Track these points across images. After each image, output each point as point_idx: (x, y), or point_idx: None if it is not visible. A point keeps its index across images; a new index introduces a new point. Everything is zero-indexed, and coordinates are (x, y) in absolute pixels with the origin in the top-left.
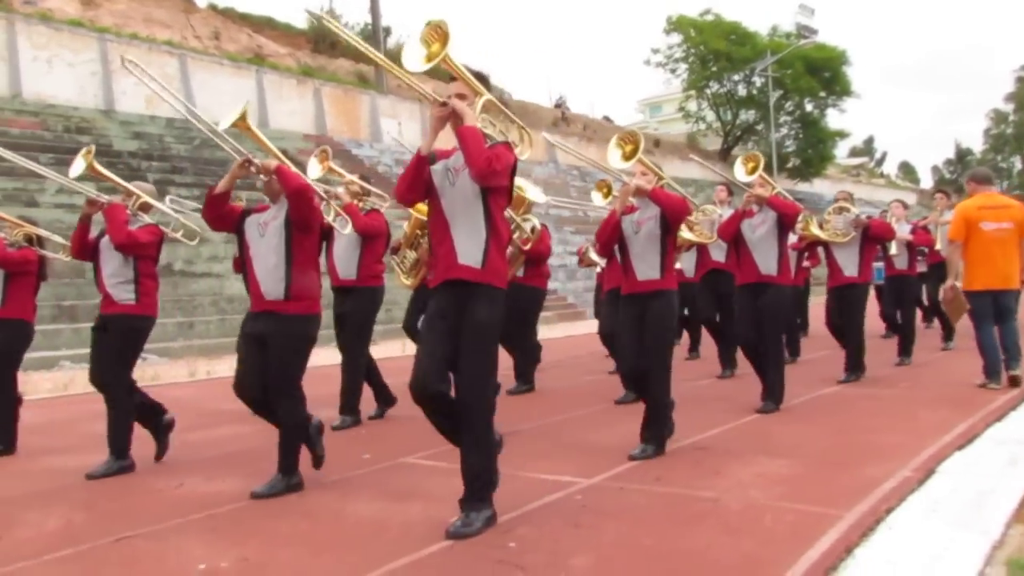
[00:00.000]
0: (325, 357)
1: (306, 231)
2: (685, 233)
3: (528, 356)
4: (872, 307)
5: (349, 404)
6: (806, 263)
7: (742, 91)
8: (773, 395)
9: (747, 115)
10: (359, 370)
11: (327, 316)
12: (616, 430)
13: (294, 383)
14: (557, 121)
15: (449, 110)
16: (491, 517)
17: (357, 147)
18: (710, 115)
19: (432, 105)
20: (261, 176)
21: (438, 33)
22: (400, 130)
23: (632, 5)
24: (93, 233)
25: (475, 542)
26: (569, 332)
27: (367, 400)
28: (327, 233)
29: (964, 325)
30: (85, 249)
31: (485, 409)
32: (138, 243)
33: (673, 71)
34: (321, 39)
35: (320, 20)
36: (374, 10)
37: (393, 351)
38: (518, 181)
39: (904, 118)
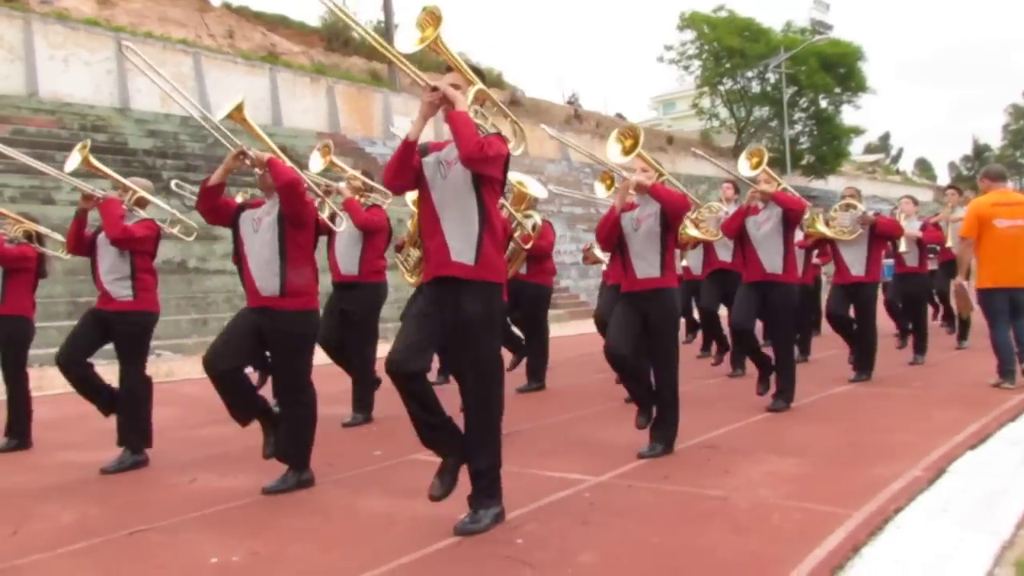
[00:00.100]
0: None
1: (299, 226)
2: (691, 230)
3: (539, 354)
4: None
5: (361, 402)
6: (816, 260)
7: (756, 88)
8: (784, 394)
9: (761, 112)
10: (368, 367)
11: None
12: (626, 428)
13: (303, 380)
14: (570, 119)
15: (440, 94)
16: (499, 514)
17: (370, 145)
18: (723, 112)
19: (423, 90)
20: (256, 170)
21: (432, 18)
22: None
23: (645, 2)
24: (91, 229)
25: (483, 538)
26: (581, 330)
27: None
28: (327, 229)
29: (979, 324)
30: (81, 245)
31: (492, 407)
32: (133, 238)
33: (686, 68)
34: (334, 37)
35: (338, 14)
36: (387, 7)
37: None
38: (519, 176)
39: (920, 114)
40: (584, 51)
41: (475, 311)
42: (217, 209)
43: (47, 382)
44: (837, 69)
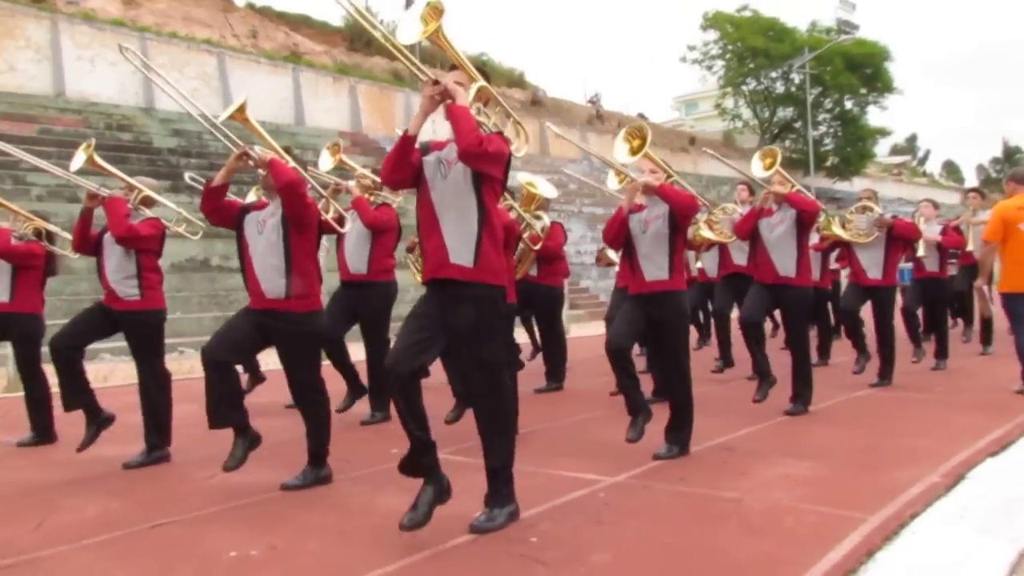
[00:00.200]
0: (352, 353)
1: (302, 228)
2: (705, 232)
3: (557, 355)
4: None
5: (379, 401)
6: (835, 264)
7: (780, 88)
8: (801, 397)
9: (785, 112)
10: (383, 367)
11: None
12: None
13: (315, 379)
14: (591, 119)
15: (441, 88)
16: (514, 512)
17: (392, 144)
18: (746, 112)
19: (424, 84)
20: (259, 171)
21: (435, 13)
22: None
23: (668, 2)
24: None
25: (497, 536)
26: (600, 330)
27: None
28: (331, 229)
29: (1003, 329)
30: (86, 243)
31: (500, 406)
32: (138, 236)
33: (709, 68)
34: (357, 37)
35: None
36: (408, 7)
37: None
38: (528, 177)
39: (949, 115)
40: (607, 51)
41: (474, 314)
42: (221, 210)
43: None
44: (863, 69)
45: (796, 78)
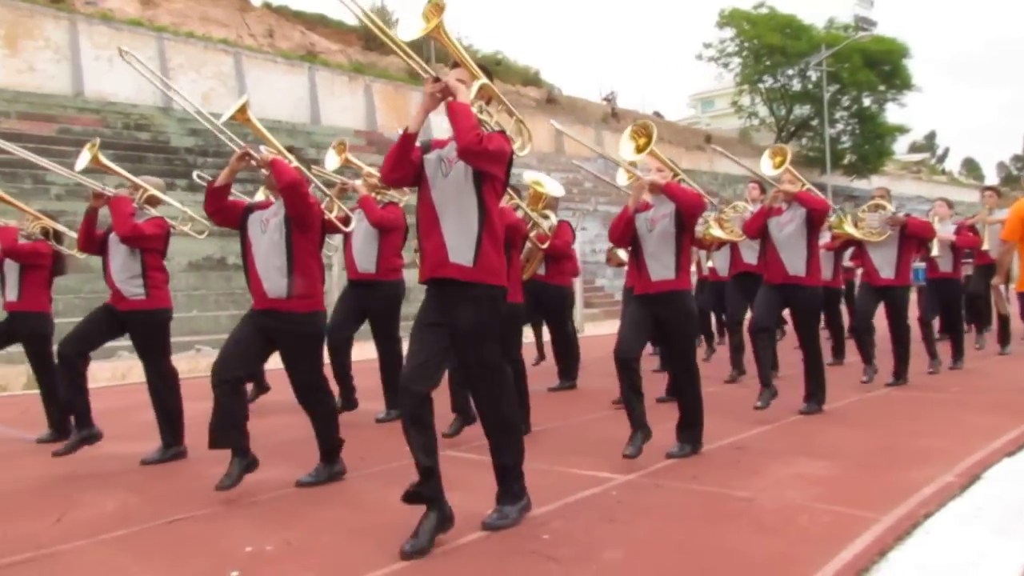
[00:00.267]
0: (366, 351)
1: (304, 228)
2: (715, 230)
3: (569, 354)
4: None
5: (394, 398)
6: (850, 263)
7: (797, 85)
8: (815, 397)
9: (801, 110)
10: (397, 365)
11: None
12: (656, 428)
13: (317, 378)
14: (607, 117)
15: (441, 85)
16: (526, 506)
17: None
18: (763, 110)
19: (425, 81)
20: (262, 171)
21: (436, 10)
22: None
23: None
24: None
25: (509, 533)
26: (615, 329)
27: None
28: (334, 229)
29: (1021, 328)
30: (92, 242)
31: (505, 405)
32: (143, 236)
33: (725, 65)
34: (373, 36)
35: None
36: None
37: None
38: (535, 175)
39: (968, 112)
40: (622, 49)
41: (474, 314)
42: (224, 210)
43: (90, 376)
44: (881, 66)
45: (813, 75)
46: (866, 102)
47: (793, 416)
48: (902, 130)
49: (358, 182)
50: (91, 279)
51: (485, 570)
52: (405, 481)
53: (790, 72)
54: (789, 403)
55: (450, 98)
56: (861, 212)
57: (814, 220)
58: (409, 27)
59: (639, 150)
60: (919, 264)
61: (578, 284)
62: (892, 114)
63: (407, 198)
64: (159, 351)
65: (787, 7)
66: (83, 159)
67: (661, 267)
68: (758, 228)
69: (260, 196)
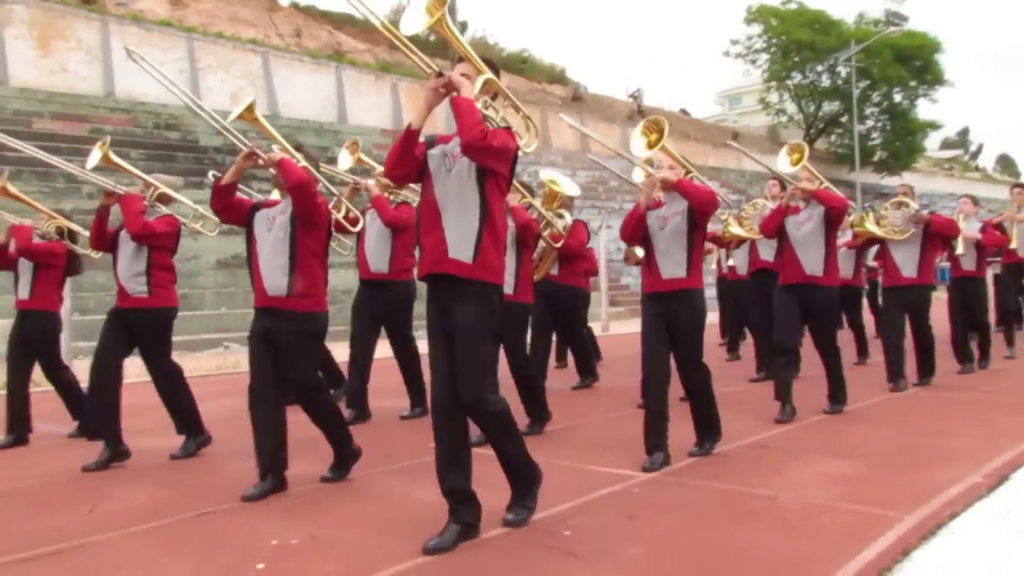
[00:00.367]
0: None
1: (310, 227)
2: (734, 228)
3: (583, 351)
4: (937, 310)
5: (417, 396)
6: (873, 263)
7: (826, 82)
8: (836, 397)
9: (831, 106)
10: (413, 361)
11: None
12: (678, 427)
13: (313, 377)
14: (632, 115)
15: (445, 80)
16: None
17: None
18: (791, 107)
19: (428, 77)
20: (270, 169)
21: (439, 3)
22: None
23: None
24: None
25: (531, 529)
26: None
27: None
28: (342, 229)
29: None
30: (103, 240)
31: (490, 406)
32: (153, 233)
33: (753, 62)
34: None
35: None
36: (450, 6)
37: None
38: (550, 174)
39: (1003, 107)
40: (649, 46)
41: (470, 317)
42: (230, 208)
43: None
44: (912, 62)
45: (842, 71)
46: (897, 98)
47: (816, 415)
48: (934, 126)
49: (371, 182)
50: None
51: (506, 565)
52: (429, 477)
53: (819, 68)
54: (812, 403)
55: (454, 93)
56: (883, 209)
57: (832, 219)
58: (412, 22)
59: (651, 146)
60: (945, 264)
61: (603, 283)
62: (924, 110)
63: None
64: (160, 350)
65: (816, 2)
66: (94, 157)
67: (672, 265)
68: (775, 227)
69: (276, 195)
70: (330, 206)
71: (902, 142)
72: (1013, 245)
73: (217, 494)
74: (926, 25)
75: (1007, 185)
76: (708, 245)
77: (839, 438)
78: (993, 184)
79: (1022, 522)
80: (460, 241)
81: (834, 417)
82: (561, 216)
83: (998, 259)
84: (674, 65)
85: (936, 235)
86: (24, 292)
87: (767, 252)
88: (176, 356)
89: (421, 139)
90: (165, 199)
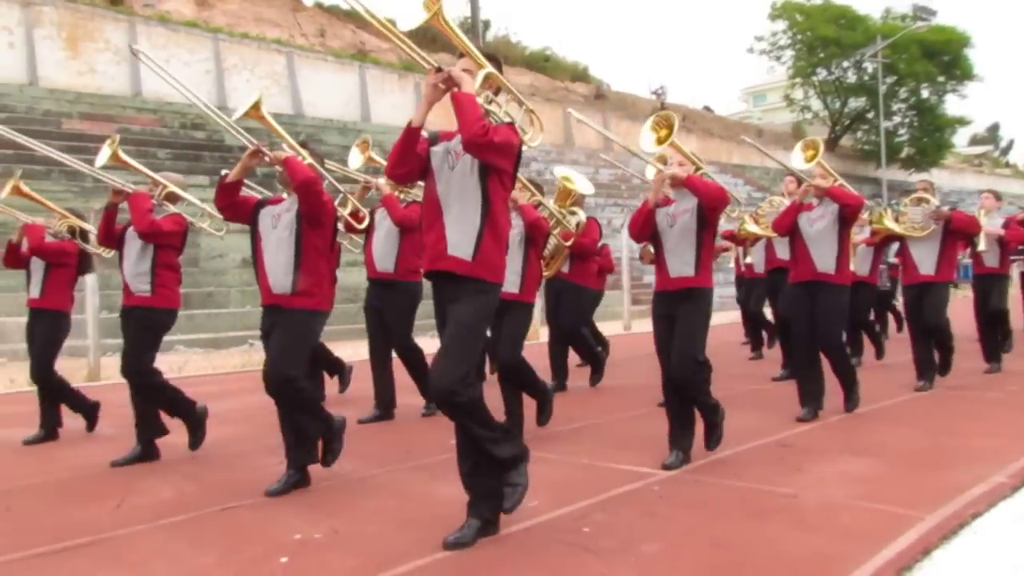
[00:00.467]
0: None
1: (316, 225)
2: (750, 226)
3: (589, 349)
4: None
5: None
6: (894, 259)
7: (852, 78)
8: (851, 395)
9: (857, 103)
10: (417, 359)
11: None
12: (700, 424)
13: (295, 365)
14: (655, 111)
15: (444, 75)
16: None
17: None
18: (816, 103)
19: (428, 72)
20: (276, 168)
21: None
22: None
23: None
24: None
25: (550, 525)
26: None
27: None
28: (349, 227)
29: None
30: (111, 238)
31: (456, 397)
32: (161, 232)
33: (778, 58)
34: (422, 33)
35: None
36: (473, 3)
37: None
38: (565, 171)
39: None
40: (672, 43)
41: (464, 313)
42: (235, 206)
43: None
44: (941, 57)
45: (869, 67)
46: (924, 93)
47: (840, 414)
48: (962, 122)
49: (381, 180)
50: None
51: (526, 560)
52: (450, 474)
53: (845, 64)
54: (836, 402)
55: (455, 88)
56: (903, 206)
57: (846, 216)
58: (409, 17)
59: (660, 142)
60: (967, 260)
61: (625, 281)
62: (952, 106)
63: None
64: (145, 347)
65: None
66: (103, 155)
67: (681, 263)
68: (787, 225)
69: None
70: (335, 203)
71: (930, 138)
72: None
73: (241, 489)
74: (955, 19)
75: None
76: (726, 243)
77: (862, 437)
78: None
79: None
80: (461, 238)
81: (858, 416)
82: (574, 213)
83: (1021, 256)
84: (698, 62)
85: (957, 232)
86: (35, 291)
87: (783, 250)
88: (201, 353)
89: (425, 135)
90: (173, 197)
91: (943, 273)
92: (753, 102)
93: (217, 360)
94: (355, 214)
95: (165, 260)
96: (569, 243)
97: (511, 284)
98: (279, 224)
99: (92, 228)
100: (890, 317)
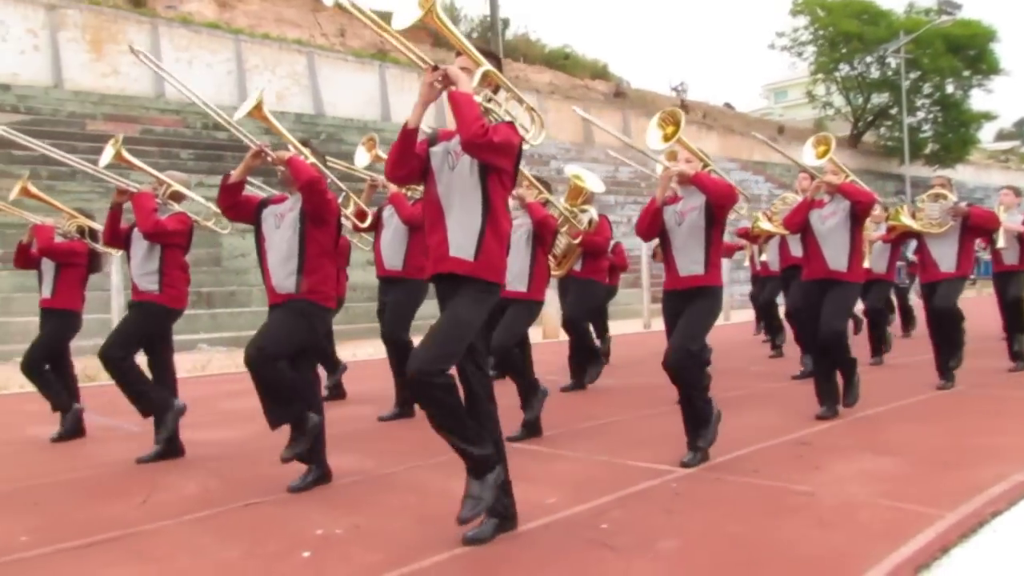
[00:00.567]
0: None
1: (320, 224)
2: (763, 223)
3: (590, 352)
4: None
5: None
6: (913, 257)
7: (875, 73)
8: (849, 392)
9: (880, 98)
10: (403, 357)
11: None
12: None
13: (281, 347)
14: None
15: (441, 74)
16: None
17: None
18: (838, 99)
19: (424, 71)
20: (279, 167)
21: None
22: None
23: None
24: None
25: (569, 522)
26: None
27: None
28: (353, 226)
29: None
30: (116, 237)
31: (432, 377)
32: (165, 231)
33: (799, 54)
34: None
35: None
36: (492, 2)
37: None
38: (576, 169)
39: None
40: (693, 40)
41: (461, 311)
42: (238, 206)
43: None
44: (966, 51)
45: (892, 62)
46: (949, 88)
47: (860, 412)
48: (988, 117)
49: None
50: None
51: (543, 556)
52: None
53: (867, 60)
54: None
55: (452, 87)
56: (920, 202)
57: (858, 213)
58: (403, 16)
59: (667, 139)
60: (985, 255)
61: (644, 279)
62: (978, 100)
63: None
64: (134, 340)
65: None
66: (107, 155)
67: (689, 262)
68: (798, 222)
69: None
70: (338, 201)
71: (954, 134)
72: None
73: (264, 485)
74: (979, 12)
75: None
76: (742, 241)
77: (882, 435)
78: None
79: None
80: (463, 239)
81: (877, 414)
82: (585, 211)
83: None
84: (719, 59)
85: (976, 228)
86: (47, 291)
87: (798, 248)
88: (224, 351)
89: (425, 134)
90: (177, 197)
91: (962, 269)
92: (775, 99)
93: (240, 358)
94: (359, 213)
95: (173, 260)
96: (577, 240)
97: (519, 283)
98: (283, 223)
99: (101, 228)
100: (897, 316)
